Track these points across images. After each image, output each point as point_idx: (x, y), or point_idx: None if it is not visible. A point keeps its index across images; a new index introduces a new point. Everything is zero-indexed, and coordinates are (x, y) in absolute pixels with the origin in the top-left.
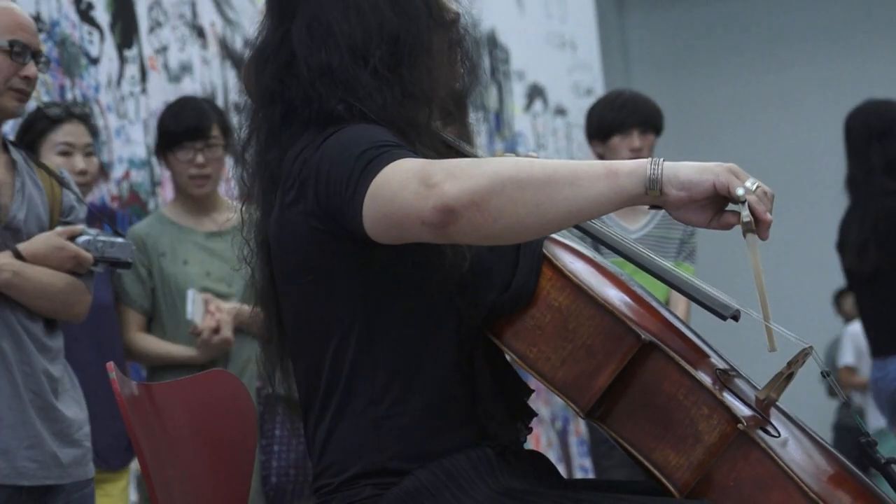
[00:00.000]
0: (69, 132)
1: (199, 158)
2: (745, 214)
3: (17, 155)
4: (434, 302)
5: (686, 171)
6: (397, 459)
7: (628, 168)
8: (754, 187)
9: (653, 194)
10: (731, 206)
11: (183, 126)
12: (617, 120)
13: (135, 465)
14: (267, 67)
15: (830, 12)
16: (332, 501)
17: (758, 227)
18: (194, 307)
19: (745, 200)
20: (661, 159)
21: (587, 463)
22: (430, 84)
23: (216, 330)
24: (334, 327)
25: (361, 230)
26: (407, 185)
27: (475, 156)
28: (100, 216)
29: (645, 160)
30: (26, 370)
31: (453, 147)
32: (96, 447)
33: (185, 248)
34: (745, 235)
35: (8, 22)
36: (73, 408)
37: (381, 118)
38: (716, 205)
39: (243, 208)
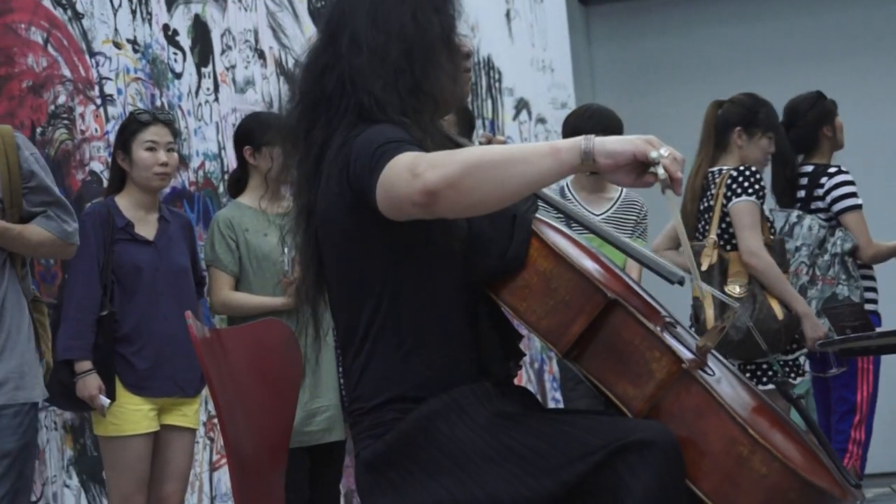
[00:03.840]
0: (155, 133)
1: None
2: (661, 173)
3: None
4: (447, 268)
5: (611, 143)
6: (416, 389)
7: (568, 145)
8: (667, 153)
9: (587, 164)
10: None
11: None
12: (585, 127)
13: (205, 392)
14: (310, 69)
15: (765, 44)
16: (363, 422)
17: (672, 183)
18: (289, 263)
19: (659, 162)
20: (594, 136)
21: (558, 395)
22: (437, 86)
23: None
24: (370, 286)
25: (374, 206)
26: (401, 175)
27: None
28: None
29: (580, 137)
30: None
31: (451, 139)
32: (175, 378)
33: (264, 225)
34: (663, 192)
35: None
36: None
37: (393, 109)
38: (638, 169)
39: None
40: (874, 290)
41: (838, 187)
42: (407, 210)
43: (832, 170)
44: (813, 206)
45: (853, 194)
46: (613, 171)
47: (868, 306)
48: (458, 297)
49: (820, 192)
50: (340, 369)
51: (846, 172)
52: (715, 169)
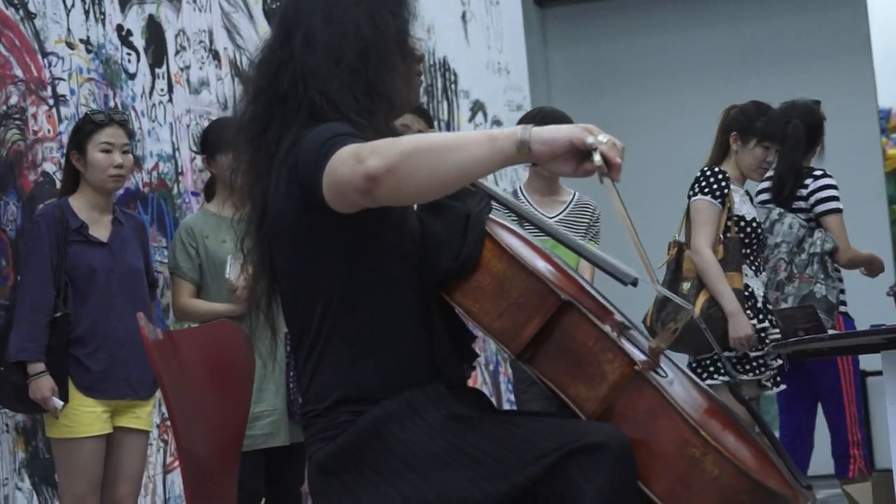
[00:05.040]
0: (110, 134)
1: None
2: (598, 160)
3: None
4: (399, 268)
5: (547, 131)
6: (368, 391)
7: (504, 133)
8: (605, 139)
9: (523, 152)
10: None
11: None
12: None
13: (158, 394)
14: (263, 67)
15: (721, 48)
16: (315, 424)
17: (610, 170)
18: (231, 269)
19: (597, 149)
20: (532, 126)
21: (513, 397)
22: (391, 88)
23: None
24: (321, 288)
25: (322, 200)
26: (346, 162)
27: None
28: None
29: (518, 126)
30: None
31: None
32: (129, 380)
33: (224, 231)
34: (601, 180)
35: None
36: None
37: (347, 108)
38: (577, 157)
39: (238, 179)
40: (843, 291)
41: (822, 189)
42: (350, 197)
43: (818, 172)
44: (794, 206)
45: (836, 198)
46: (551, 160)
47: (840, 308)
48: (411, 298)
49: (803, 192)
50: (292, 374)
51: (830, 176)
52: (705, 168)
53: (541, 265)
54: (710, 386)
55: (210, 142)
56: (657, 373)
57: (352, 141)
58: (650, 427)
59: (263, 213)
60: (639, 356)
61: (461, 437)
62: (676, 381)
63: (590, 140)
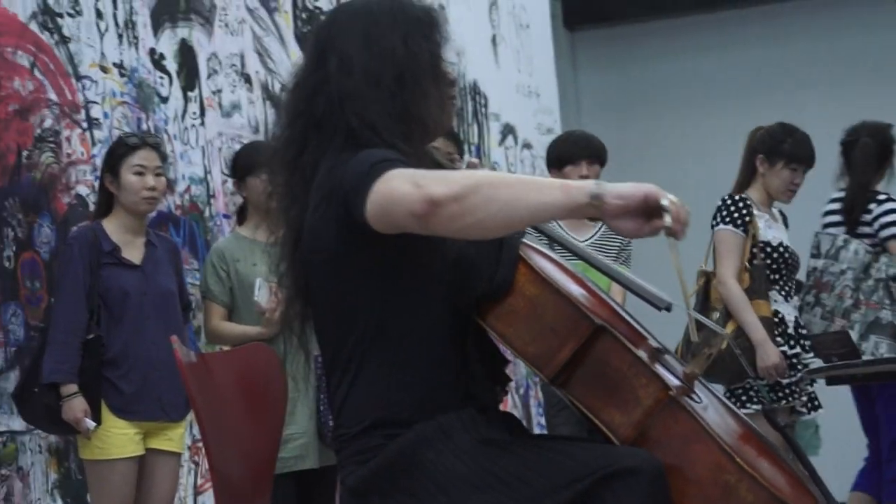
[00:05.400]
0: (143, 157)
1: None
2: (669, 220)
3: None
4: (434, 292)
5: (623, 187)
6: (402, 415)
7: (577, 185)
8: (676, 200)
9: (595, 204)
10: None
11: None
12: (569, 153)
13: (191, 416)
14: (299, 91)
15: (752, 71)
16: (348, 447)
17: (678, 231)
18: (260, 292)
19: (669, 210)
20: (604, 182)
21: (544, 421)
22: (426, 112)
23: (276, 309)
24: (357, 311)
25: (364, 220)
26: (401, 186)
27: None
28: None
29: (590, 181)
30: None
31: (439, 163)
32: (161, 402)
33: (255, 255)
34: (668, 238)
35: None
36: None
37: (386, 132)
38: (644, 216)
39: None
40: None
41: (886, 214)
42: (401, 219)
43: (881, 196)
44: (860, 231)
45: None
46: (620, 215)
47: None
48: (445, 322)
49: (868, 217)
50: (323, 396)
51: (894, 200)
52: (726, 197)
53: (574, 289)
54: (744, 415)
55: (240, 165)
56: (691, 398)
57: (402, 165)
58: (684, 453)
59: (299, 236)
60: (673, 381)
61: (493, 461)
62: (711, 406)
63: (664, 201)
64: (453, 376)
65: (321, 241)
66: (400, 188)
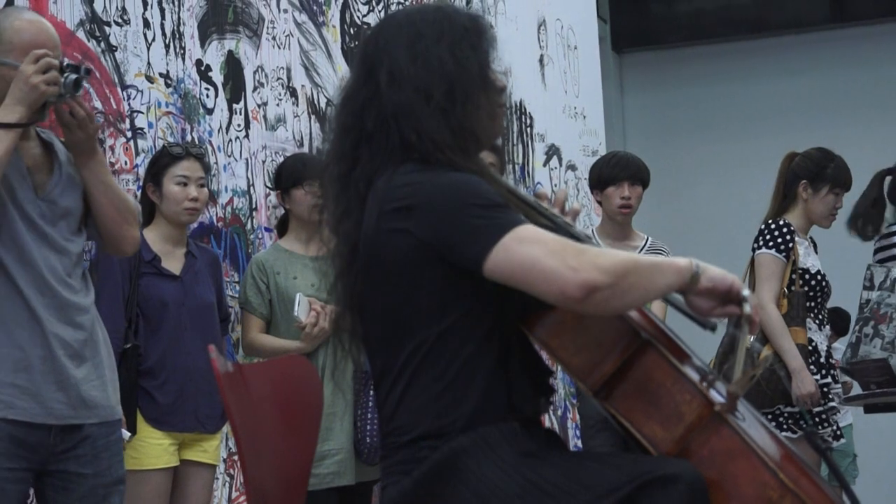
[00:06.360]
0: (186, 167)
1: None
2: (749, 309)
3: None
4: (488, 304)
5: (715, 272)
6: (449, 426)
7: (685, 264)
8: (752, 294)
9: (694, 282)
10: None
11: (308, 168)
12: (611, 174)
13: (226, 428)
14: (348, 105)
15: (799, 97)
16: (395, 455)
17: (752, 325)
18: (300, 307)
19: (748, 301)
20: (699, 262)
21: (580, 444)
22: (476, 124)
23: (316, 324)
24: (415, 323)
25: (478, 268)
26: (548, 258)
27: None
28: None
29: (692, 260)
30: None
31: (496, 180)
32: (197, 413)
33: (295, 268)
34: (740, 325)
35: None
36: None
37: (446, 147)
38: (721, 299)
39: (324, 215)
40: None
41: None
42: (540, 291)
43: None
44: None
45: None
46: (703, 296)
47: None
48: (496, 333)
49: None
50: (360, 412)
51: None
52: (769, 221)
53: None
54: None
55: (285, 176)
56: (734, 415)
57: (521, 219)
58: (727, 468)
59: (355, 248)
60: (717, 398)
61: (535, 471)
62: (752, 424)
63: (746, 292)
64: (498, 388)
65: (385, 253)
66: (547, 263)
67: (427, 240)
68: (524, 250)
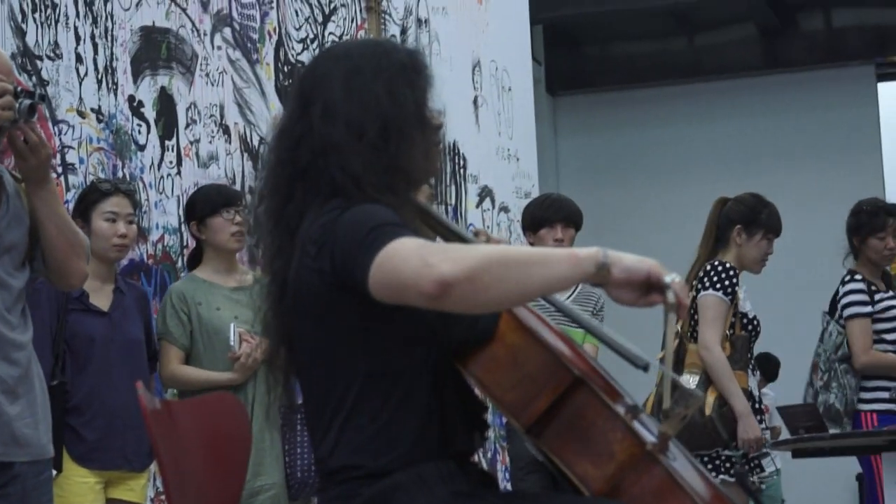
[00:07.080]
0: (115, 203)
1: (238, 218)
2: (671, 297)
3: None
4: (420, 339)
5: (628, 259)
6: (386, 463)
7: (586, 253)
8: (677, 278)
9: (602, 274)
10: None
11: (224, 196)
12: (544, 216)
13: (153, 467)
14: (283, 139)
15: (730, 143)
16: (331, 491)
17: (679, 309)
18: (234, 338)
19: (671, 287)
20: (609, 250)
21: (509, 485)
22: (409, 163)
23: (250, 354)
24: (346, 360)
25: (367, 290)
26: (409, 261)
27: (443, 218)
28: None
29: (598, 248)
30: None
31: (424, 211)
32: (124, 451)
33: (217, 299)
34: (667, 313)
35: None
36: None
37: (370, 186)
38: (642, 288)
39: (259, 252)
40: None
41: (846, 295)
42: (410, 298)
43: (846, 277)
44: (838, 314)
45: (858, 303)
46: (621, 287)
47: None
48: (429, 367)
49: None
50: (287, 447)
51: (858, 280)
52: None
53: (555, 341)
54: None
55: (200, 206)
56: (666, 455)
57: (403, 232)
58: None
59: (284, 286)
60: (649, 437)
61: None
62: (683, 465)
63: (667, 279)
64: (433, 424)
65: (309, 292)
66: (404, 270)
67: (335, 275)
68: (391, 262)
